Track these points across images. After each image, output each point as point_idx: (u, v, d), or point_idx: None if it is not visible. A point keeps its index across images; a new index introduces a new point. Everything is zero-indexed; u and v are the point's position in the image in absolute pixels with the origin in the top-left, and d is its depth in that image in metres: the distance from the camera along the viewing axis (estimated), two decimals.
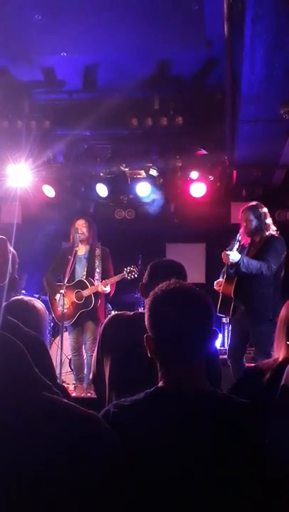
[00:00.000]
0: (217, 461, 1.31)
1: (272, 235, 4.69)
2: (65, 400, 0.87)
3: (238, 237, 4.69)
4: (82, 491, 0.79)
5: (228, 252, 4.50)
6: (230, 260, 4.48)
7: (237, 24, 3.77)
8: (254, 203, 4.84)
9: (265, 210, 4.73)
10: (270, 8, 3.29)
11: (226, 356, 5.48)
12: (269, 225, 4.72)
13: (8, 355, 0.84)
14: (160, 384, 1.46)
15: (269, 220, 4.74)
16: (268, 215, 4.76)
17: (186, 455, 1.32)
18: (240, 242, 4.67)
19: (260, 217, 4.68)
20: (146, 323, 1.51)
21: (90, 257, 5.66)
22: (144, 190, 6.92)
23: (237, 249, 4.61)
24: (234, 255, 4.46)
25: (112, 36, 4.65)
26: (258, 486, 1.30)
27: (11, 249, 4.02)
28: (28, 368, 0.86)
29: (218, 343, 6.45)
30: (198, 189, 6.73)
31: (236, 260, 4.45)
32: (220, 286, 4.77)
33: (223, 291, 4.70)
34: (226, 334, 6.77)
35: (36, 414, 0.81)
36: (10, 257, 3.77)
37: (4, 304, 2.60)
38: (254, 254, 4.64)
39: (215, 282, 4.84)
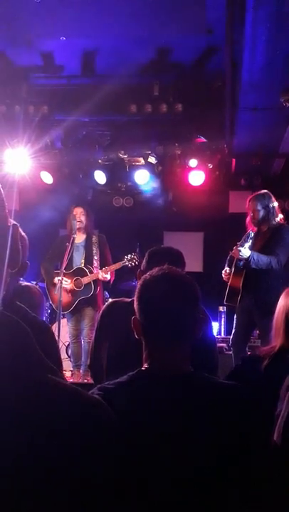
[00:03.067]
0: (199, 444, 1.32)
1: (280, 225, 4.61)
2: (70, 384, 0.87)
3: (251, 234, 4.60)
4: (82, 477, 0.79)
5: (239, 248, 4.45)
6: (240, 255, 4.44)
7: (238, 11, 3.74)
8: (262, 191, 4.72)
9: (272, 198, 4.64)
10: None
11: (222, 344, 5.51)
12: (277, 215, 4.64)
13: (12, 336, 0.83)
14: (144, 366, 1.48)
15: (277, 210, 4.66)
16: (276, 203, 4.67)
17: (167, 438, 1.32)
18: (252, 239, 4.58)
19: (268, 207, 4.59)
20: (134, 305, 1.53)
21: (88, 245, 5.65)
22: (142, 178, 6.90)
23: (249, 247, 4.53)
24: (245, 251, 4.42)
25: (112, 21, 4.60)
26: (247, 468, 1.31)
27: (23, 233, 4.00)
28: (33, 350, 0.85)
29: (214, 332, 6.47)
30: (196, 177, 6.71)
31: (246, 256, 4.42)
32: (228, 275, 4.72)
33: (232, 283, 4.66)
34: (222, 323, 6.79)
35: (40, 396, 0.80)
36: (26, 242, 3.72)
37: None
38: (262, 245, 4.58)
39: (223, 272, 4.78)
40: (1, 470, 0.75)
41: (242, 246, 4.46)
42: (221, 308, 6.65)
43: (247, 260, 4.44)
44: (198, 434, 1.33)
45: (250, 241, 4.54)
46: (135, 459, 1.14)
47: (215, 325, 6.62)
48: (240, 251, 4.41)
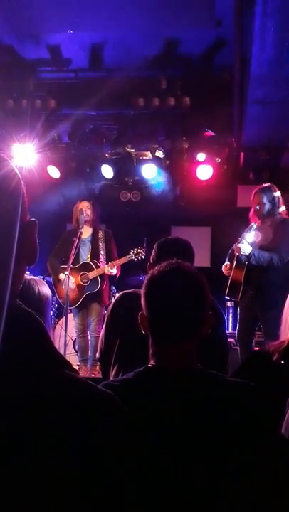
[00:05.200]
0: (207, 441, 1.31)
1: (284, 219, 4.59)
2: (83, 378, 0.87)
3: (254, 225, 4.60)
4: (92, 474, 0.79)
5: (239, 245, 4.45)
6: (242, 253, 4.44)
7: (247, 3, 3.70)
8: (267, 185, 4.70)
9: (278, 193, 4.62)
10: None
11: (230, 340, 5.51)
12: (281, 209, 4.62)
13: (26, 329, 0.83)
14: (150, 363, 1.47)
15: (282, 204, 4.63)
16: (281, 198, 4.65)
17: (173, 436, 1.31)
18: (255, 230, 4.60)
19: (274, 201, 4.57)
20: (141, 301, 1.51)
21: (94, 240, 5.64)
22: (150, 172, 6.87)
23: (251, 238, 4.57)
24: (246, 248, 4.42)
25: (120, 14, 4.58)
26: (255, 467, 1.29)
27: None
28: (47, 343, 0.86)
29: None
30: (204, 172, 6.68)
31: (247, 253, 4.41)
32: (228, 269, 4.72)
33: (233, 277, 4.65)
34: (230, 318, 6.78)
35: (52, 390, 0.80)
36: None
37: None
38: (265, 238, 4.56)
39: (223, 266, 4.79)
40: (9, 465, 0.74)
41: (244, 238, 4.47)
42: (228, 304, 6.63)
43: (248, 257, 4.44)
44: (205, 432, 1.32)
45: (253, 232, 4.53)
46: (141, 457, 1.14)
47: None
48: (240, 248, 4.41)
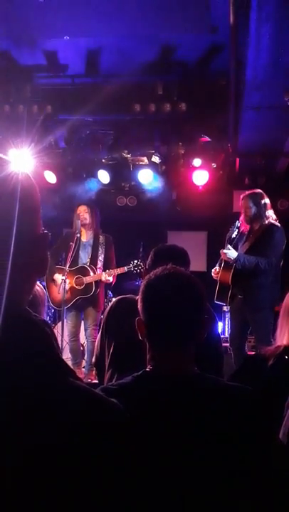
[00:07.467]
0: (205, 446, 1.31)
1: (271, 224, 4.67)
2: (86, 386, 0.87)
3: (237, 223, 4.70)
4: (93, 482, 0.79)
5: (224, 251, 4.52)
6: (228, 258, 4.51)
7: (243, 9, 3.73)
8: (254, 190, 4.83)
9: (265, 197, 4.73)
10: None
11: (226, 344, 5.51)
12: (269, 213, 4.71)
13: (31, 336, 0.83)
14: (148, 367, 1.47)
15: (269, 210, 4.73)
16: (268, 203, 4.75)
17: (172, 440, 1.31)
18: (239, 229, 4.70)
19: (260, 205, 4.68)
20: (138, 306, 1.51)
21: (95, 244, 5.65)
22: (146, 178, 6.89)
23: (236, 236, 4.68)
24: (231, 253, 4.50)
25: (116, 20, 4.59)
26: (251, 470, 1.30)
27: None
28: (54, 352, 0.86)
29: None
30: (200, 177, 6.70)
31: (233, 258, 4.48)
32: (217, 274, 4.78)
33: (221, 279, 4.72)
34: (226, 323, 6.78)
35: (61, 400, 0.81)
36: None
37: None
38: (252, 243, 4.67)
39: (212, 270, 4.86)
40: (8, 470, 0.75)
41: (229, 240, 4.57)
42: (224, 308, 6.63)
43: (234, 261, 4.52)
44: (203, 436, 1.32)
45: (237, 230, 4.62)
46: (141, 461, 1.14)
47: (219, 324, 6.60)
48: (226, 253, 4.49)
